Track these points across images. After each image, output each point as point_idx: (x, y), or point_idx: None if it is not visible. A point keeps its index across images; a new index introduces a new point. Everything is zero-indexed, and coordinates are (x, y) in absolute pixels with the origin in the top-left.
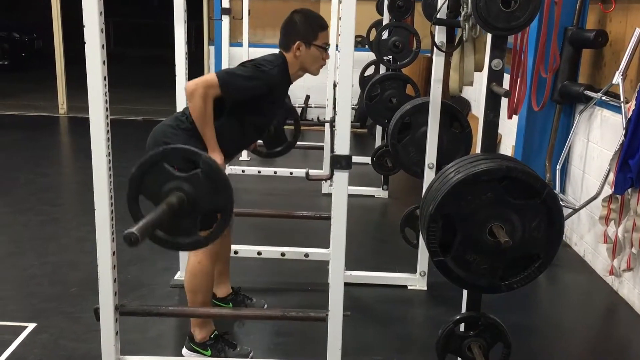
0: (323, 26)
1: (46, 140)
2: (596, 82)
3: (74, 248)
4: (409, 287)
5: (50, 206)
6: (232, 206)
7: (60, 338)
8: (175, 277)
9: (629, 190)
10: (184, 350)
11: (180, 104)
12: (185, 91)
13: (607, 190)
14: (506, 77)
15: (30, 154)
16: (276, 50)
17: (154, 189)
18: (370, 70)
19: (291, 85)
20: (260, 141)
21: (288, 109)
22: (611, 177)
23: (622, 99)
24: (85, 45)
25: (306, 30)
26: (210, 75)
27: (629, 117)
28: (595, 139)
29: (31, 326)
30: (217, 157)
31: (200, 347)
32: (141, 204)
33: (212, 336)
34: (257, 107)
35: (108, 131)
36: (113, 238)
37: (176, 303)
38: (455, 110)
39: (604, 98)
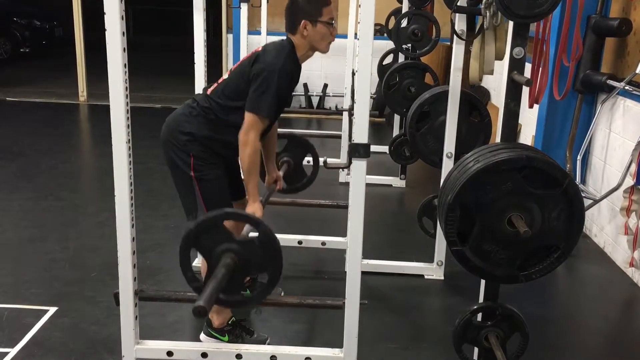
0: (326, 1)
1: (66, 127)
2: (619, 71)
3: (94, 233)
4: (426, 277)
5: (71, 192)
6: (280, 272)
7: (80, 322)
8: (194, 264)
9: None
10: (202, 336)
11: (198, 92)
12: (240, 144)
13: (629, 182)
14: (527, 66)
15: (51, 140)
16: None
17: (208, 246)
18: (388, 59)
19: (309, 74)
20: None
21: (305, 145)
22: (633, 168)
23: None
24: (106, 33)
25: (310, 8)
26: (249, 117)
27: None
28: (617, 129)
29: (52, 310)
30: (257, 207)
31: (218, 333)
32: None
33: (229, 322)
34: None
35: (128, 118)
36: (132, 224)
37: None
38: (474, 100)
39: (627, 88)
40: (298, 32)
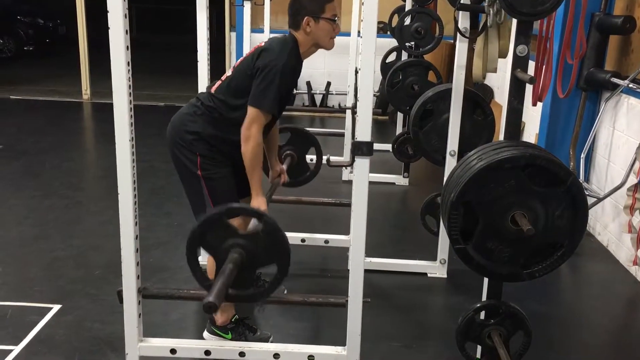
0: None
1: (70, 125)
2: (623, 69)
3: (97, 231)
4: (429, 275)
5: (74, 190)
6: (289, 262)
7: (84, 319)
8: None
9: None
10: (205, 333)
11: (202, 90)
12: (242, 139)
13: (633, 180)
14: (531, 64)
15: (54, 138)
16: None
17: (214, 244)
18: (392, 57)
19: (312, 72)
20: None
21: (309, 138)
22: (637, 165)
23: None
24: (109, 31)
25: (313, 5)
26: (252, 112)
27: None
28: (621, 127)
29: (56, 307)
30: (261, 201)
31: (221, 331)
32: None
33: (232, 320)
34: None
35: (131, 116)
36: (136, 222)
37: (198, 287)
38: (477, 98)
39: (630, 85)
40: (301, 28)
